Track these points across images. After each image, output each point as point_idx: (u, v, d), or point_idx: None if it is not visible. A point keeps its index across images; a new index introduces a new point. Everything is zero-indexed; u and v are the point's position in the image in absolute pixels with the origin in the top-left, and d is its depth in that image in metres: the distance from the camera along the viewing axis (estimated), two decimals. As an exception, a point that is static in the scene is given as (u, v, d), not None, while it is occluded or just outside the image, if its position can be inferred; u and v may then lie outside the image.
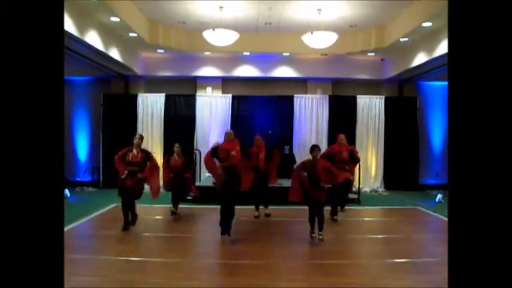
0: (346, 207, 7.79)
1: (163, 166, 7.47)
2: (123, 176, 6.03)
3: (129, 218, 6.23)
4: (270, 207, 7.30)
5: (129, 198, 6.13)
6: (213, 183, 6.50)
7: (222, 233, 5.85)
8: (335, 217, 7.17)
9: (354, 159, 7.37)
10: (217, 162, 6.08)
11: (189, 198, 8.46)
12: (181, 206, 7.77)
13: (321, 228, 5.74)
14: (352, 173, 7.49)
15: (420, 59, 9.20)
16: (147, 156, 6.29)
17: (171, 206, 7.38)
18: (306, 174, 5.83)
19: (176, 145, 7.54)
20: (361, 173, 9.70)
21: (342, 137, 7.49)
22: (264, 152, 7.10)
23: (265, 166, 7.02)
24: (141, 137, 6.37)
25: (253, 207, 7.19)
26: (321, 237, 5.72)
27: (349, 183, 7.28)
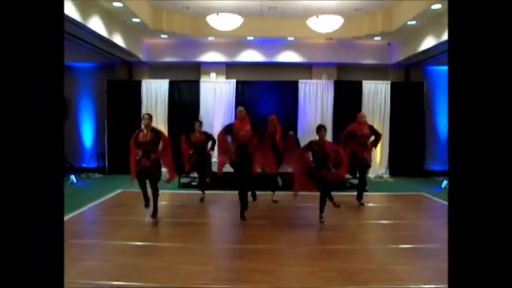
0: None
1: (182, 143, 7.33)
2: (138, 157, 5.89)
3: (148, 195, 6.04)
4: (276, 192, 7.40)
5: (150, 180, 5.94)
6: (230, 164, 6.41)
7: (242, 217, 6.01)
8: (362, 201, 7.25)
9: (376, 134, 7.31)
10: (229, 140, 6.12)
11: None
12: (191, 192, 7.79)
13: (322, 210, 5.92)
14: (370, 152, 7.36)
15: (428, 42, 9.01)
16: (158, 134, 6.08)
17: (193, 192, 7.38)
18: (310, 154, 5.85)
19: (197, 123, 7.58)
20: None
21: (362, 114, 7.41)
22: (280, 133, 7.13)
23: (282, 144, 6.93)
24: (150, 117, 6.05)
25: (261, 192, 7.26)
26: (322, 220, 5.89)
27: (368, 165, 7.33)
